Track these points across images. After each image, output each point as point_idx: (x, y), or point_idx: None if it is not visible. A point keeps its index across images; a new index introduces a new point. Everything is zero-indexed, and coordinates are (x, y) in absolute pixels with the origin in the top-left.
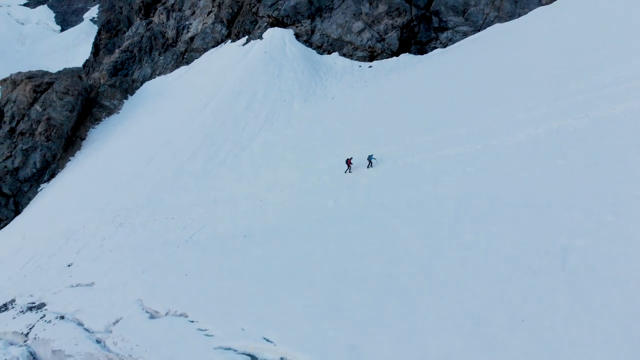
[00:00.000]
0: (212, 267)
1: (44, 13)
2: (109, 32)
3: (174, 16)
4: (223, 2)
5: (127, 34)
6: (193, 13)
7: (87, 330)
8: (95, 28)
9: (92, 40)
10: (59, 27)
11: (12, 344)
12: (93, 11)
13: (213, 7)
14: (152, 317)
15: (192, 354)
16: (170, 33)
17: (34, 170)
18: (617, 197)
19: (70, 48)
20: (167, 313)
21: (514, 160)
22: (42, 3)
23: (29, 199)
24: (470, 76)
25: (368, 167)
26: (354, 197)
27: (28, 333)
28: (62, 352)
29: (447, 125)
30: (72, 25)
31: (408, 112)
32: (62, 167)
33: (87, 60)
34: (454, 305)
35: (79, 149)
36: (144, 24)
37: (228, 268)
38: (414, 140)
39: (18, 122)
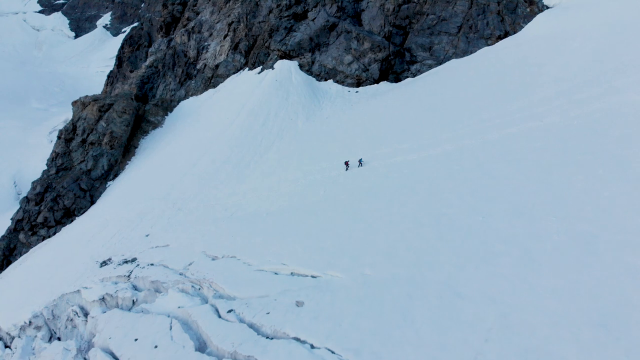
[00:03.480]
0: (248, 231)
1: (59, 20)
2: (131, 47)
3: (194, 37)
4: (237, 27)
5: (150, 50)
6: (210, 35)
7: (171, 269)
8: (109, 35)
9: (106, 46)
10: (73, 34)
11: (116, 283)
12: (106, 18)
13: (229, 31)
14: (213, 259)
15: (242, 274)
16: (192, 53)
17: (103, 172)
18: (479, 186)
19: (85, 54)
20: (222, 256)
21: (430, 166)
22: (57, 10)
23: (100, 193)
24: (428, 102)
25: (358, 166)
26: (336, 188)
27: (129, 275)
28: (158, 281)
29: (400, 140)
30: (86, 32)
31: (382, 130)
32: (123, 169)
33: (111, 72)
34: (379, 241)
35: (133, 155)
36: (165, 41)
37: (257, 231)
38: (380, 150)
39: (88, 134)
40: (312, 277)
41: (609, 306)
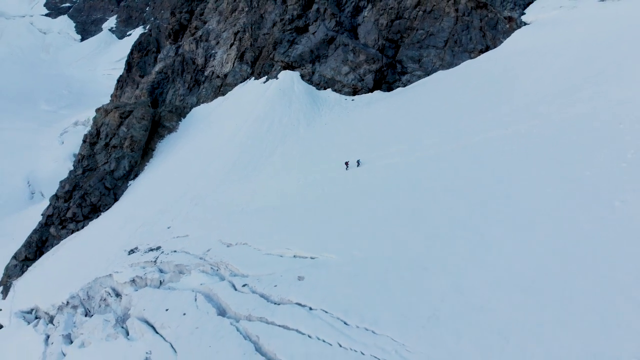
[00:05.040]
0: (256, 222)
1: (65, 23)
2: (140, 52)
3: (202, 45)
4: (243, 37)
5: (159, 56)
6: (217, 43)
7: (192, 255)
8: (114, 38)
9: (111, 49)
10: (79, 37)
11: (144, 268)
12: (111, 21)
13: (235, 40)
14: (228, 246)
15: (253, 257)
16: (200, 60)
17: (124, 172)
18: (450, 184)
19: (91, 57)
20: (236, 243)
21: (413, 167)
22: (63, 13)
23: (123, 191)
24: (416, 110)
25: (357, 166)
26: (333, 187)
27: (155, 260)
28: (181, 264)
29: (391, 145)
30: (92, 35)
31: (374, 135)
32: (142, 170)
33: (120, 76)
34: (367, 230)
35: (151, 157)
36: (174, 48)
37: (265, 223)
38: (373, 154)
39: (110, 138)
40: (311, 258)
41: (537, 277)
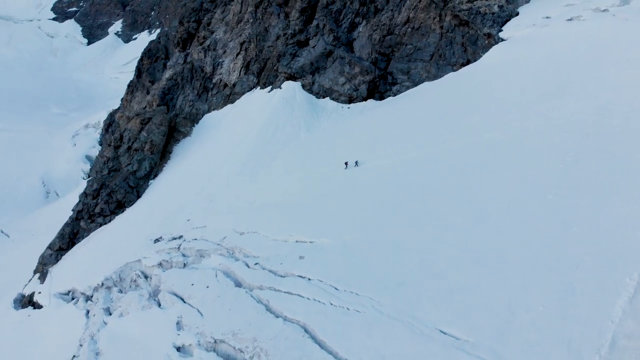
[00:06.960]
0: (265, 216)
1: (72, 27)
2: (149, 59)
3: (210, 54)
4: (249, 47)
5: (168, 63)
6: (224, 52)
7: (210, 242)
8: (120, 41)
9: (117, 53)
10: (85, 40)
11: (169, 253)
12: (117, 25)
13: (241, 50)
14: (240, 234)
15: (262, 242)
16: (208, 68)
17: (145, 172)
18: (426, 182)
19: (98, 61)
20: (247, 232)
21: (400, 168)
22: (69, 17)
23: (144, 189)
24: (404, 117)
25: (355, 166)
26: (330, 185)
27: (178, 247)
28: (201, 249)
29: (381, 147)
30: (98, 39)
31: (367, 139)
32: (161, 170)
33: (131, 81)
34: (356, 219)
35: (169, 159)
36: (182, 56)
37: (272, 215)
38: (366, 156)
39: (133, 142)
40: (310, 242)
41: (483, 252)
